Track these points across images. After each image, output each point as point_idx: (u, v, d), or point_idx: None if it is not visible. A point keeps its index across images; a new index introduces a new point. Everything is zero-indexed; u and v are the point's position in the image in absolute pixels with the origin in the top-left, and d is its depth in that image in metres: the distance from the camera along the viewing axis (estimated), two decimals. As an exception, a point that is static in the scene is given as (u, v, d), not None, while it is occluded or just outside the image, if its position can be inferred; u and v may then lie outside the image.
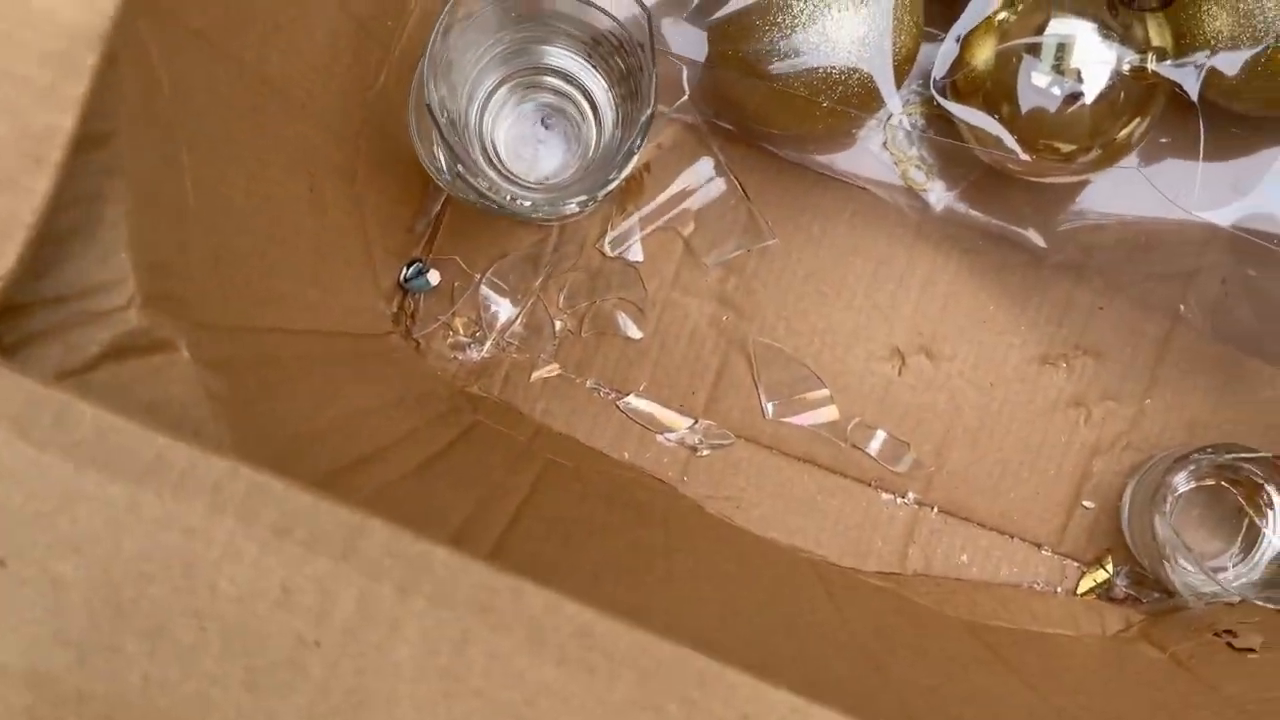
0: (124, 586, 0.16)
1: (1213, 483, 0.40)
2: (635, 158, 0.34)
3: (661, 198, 0.43)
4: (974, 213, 0.42)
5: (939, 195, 0.42)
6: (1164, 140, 0.41)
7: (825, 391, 0.43)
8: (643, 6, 0.32)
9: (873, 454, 0.43)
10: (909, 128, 0.40)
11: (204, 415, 0.18)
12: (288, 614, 0.15)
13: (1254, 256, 0.39)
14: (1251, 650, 0.36)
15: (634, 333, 0.44)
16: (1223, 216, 0.39)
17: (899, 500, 0.43)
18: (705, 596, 0.31)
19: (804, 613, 0.33)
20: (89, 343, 0.18)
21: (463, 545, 0.25)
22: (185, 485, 0.15)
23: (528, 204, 0.34)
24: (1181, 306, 0.39)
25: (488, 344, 0.44)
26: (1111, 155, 0.39)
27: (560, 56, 0.37)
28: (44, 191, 0.17)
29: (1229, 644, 0.37)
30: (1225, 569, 0.40)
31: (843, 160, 0.42)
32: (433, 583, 0.15)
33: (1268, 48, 0.36)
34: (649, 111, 0.33)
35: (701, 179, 0.43)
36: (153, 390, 0.18)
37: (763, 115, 0.39)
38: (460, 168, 0.34)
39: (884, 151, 0.42)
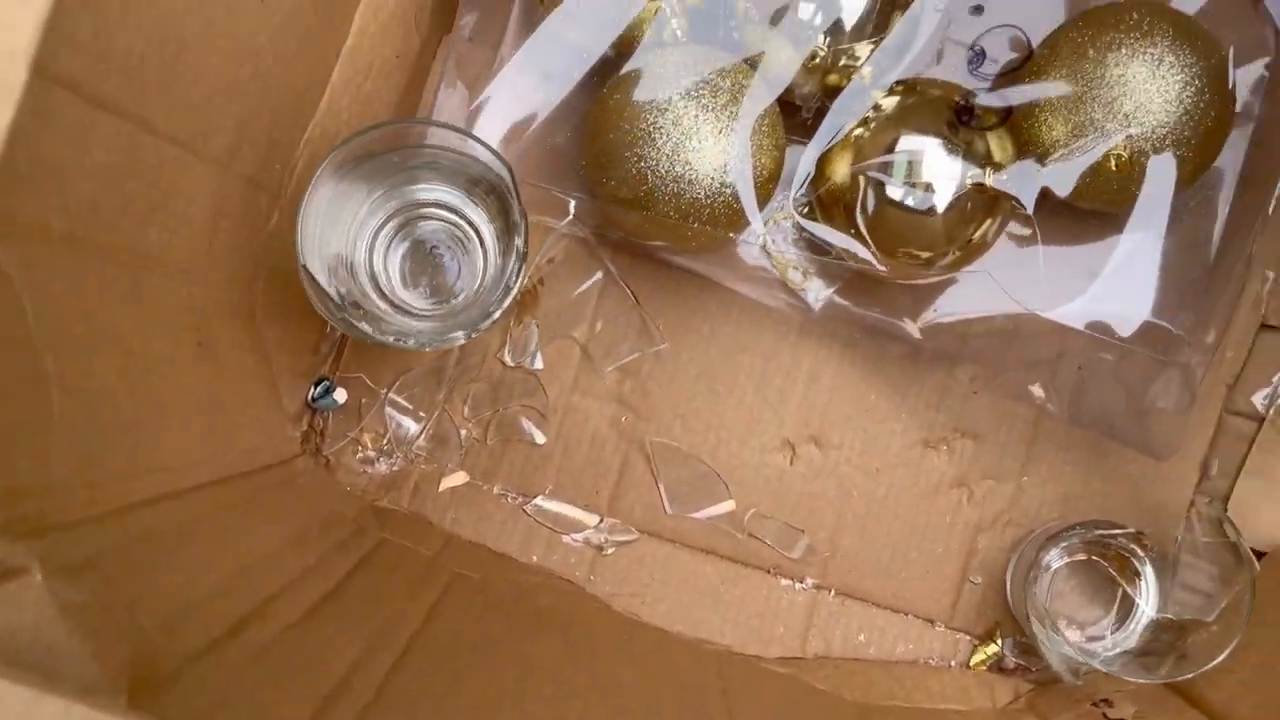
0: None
1: (1085, 557, 0.43)
2: (514, 292, 0.36)
3: (557, 308, 0.45)
4: (852, 308, 0.44)
5: (818, 294, 0.44)
6: (1026, 232, 0.44)
7: (722, 485, 0.45)
8: (504, 163, 0.34)
9: (769, 543, 0.45)
10: (775, 246, 0.43)
11: (58, 636, 0.20)
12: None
13: (1108, 342, 0.41)
14: (1124, 720, 0.38)
15: (538, 438, 0.45)
16: (1077, 306, 0.42)
17: (798, 586, 0.45)
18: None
19: None
20: (-58, 581, 0.19)
21: (340, 702, 0.27)
22: (22, 729, 0.17)
23: (411, 341, 0.36)
24: (1041, 394, 0.42)
25: (396, 456, 0.45)
26: (969, 255, 0.41)
27: (441, 192, 0.39)
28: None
29: (1104, 715, 0.39)
30: (1103, 637, 0.42)
31: (725, 266, 0.44)
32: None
33: (1098, 159, 0.38)
34: (522, 253, 0.35)
35: (594, 289, 0.45)
36: (6, 618, 0.19)
37: (641, 233, 0.41)
38: (345, 315, 0.35)
39: (763, 255, 0.44)
